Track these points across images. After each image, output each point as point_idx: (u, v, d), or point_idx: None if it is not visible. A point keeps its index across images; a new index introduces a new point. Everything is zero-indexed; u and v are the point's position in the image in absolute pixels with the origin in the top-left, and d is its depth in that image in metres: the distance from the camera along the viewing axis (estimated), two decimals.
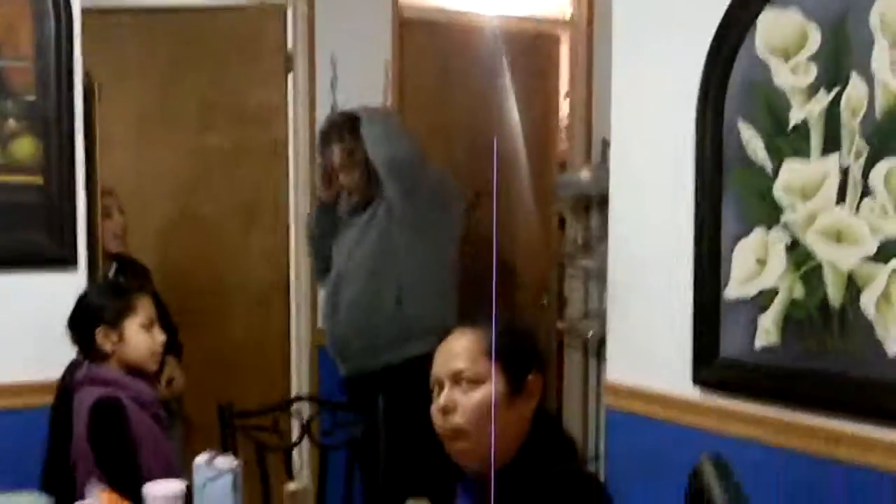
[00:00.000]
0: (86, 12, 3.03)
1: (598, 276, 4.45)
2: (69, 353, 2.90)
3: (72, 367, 2.80)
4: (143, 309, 2.75)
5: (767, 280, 2.64)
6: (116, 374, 2.70)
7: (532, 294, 4.82)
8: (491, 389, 1.90)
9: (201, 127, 4.31)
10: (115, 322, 2.71)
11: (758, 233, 2.66)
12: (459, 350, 1.95)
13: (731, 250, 2.72)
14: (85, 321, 2.74)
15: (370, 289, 3.62)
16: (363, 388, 3.48)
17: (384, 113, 3.77)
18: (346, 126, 3.67)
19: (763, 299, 2.66)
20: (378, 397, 3.08)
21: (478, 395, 1.91)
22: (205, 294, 4.27)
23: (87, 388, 2.69)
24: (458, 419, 1.92)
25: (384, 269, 3.62)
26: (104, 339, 2.71)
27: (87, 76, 3.09)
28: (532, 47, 4.91)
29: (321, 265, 3.86)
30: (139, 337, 2.73)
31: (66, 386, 2.77)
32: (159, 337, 2.76)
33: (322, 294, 3.96)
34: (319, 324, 4.27)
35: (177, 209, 4.29)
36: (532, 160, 4.82)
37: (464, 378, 1.93)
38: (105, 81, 3.37)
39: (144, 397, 2.71)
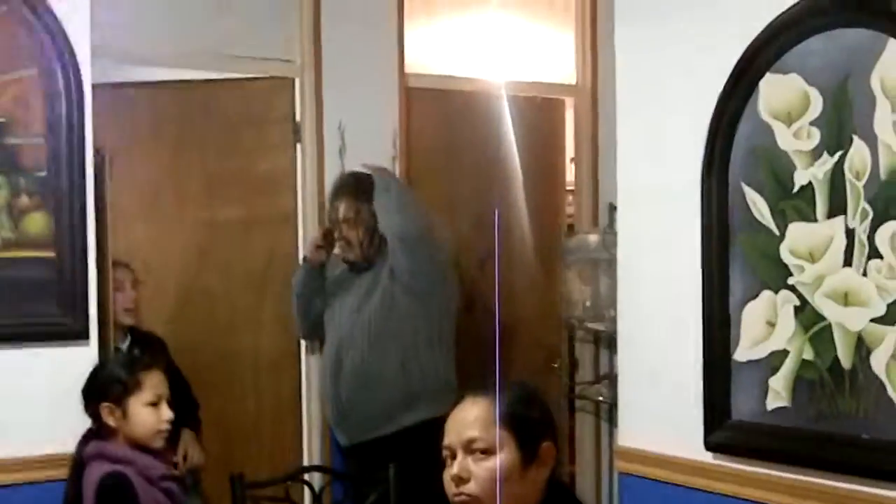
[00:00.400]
0: (95, 86, 3.07)
1: (608, 340, 4.46)
2: (81, 426, 2.91)
3: (84, 440, 2.80)
4: (150, 386, 2.77)
5: (777, 342, 2.64)
6: (124, 450, 2.71)
7: (542, 358, 4.81)
8: (508, 458, 1.91)
9: (211, 197, 4.34)
10: (119, 399, 2.74)
11: (766, 295, 2.67)
12: (472, 419, 1.95)
13: (740, 313, 2.73)
14: (93, 396, 2.79)
15: (375, 354, 3.63)
16: (365, 457, 3.48)
17: (397, 182, 3.82)
18: (358, 185, 3.77)
19: (773, 361, 2.66)
20: (389, 466, 3.08)
21: (491, 464, 1.91)
22: (216, 365, 4.27)
23: (95, 463, 2.70)
24: (472, 488, 1.91)
25: (388, 334, 3.63)
26: (108, 416, 2.74)
27: (98, 151, 3.13)
28: (538, 113, 4.94)
29: (306, 325, 3.92)
30: (143, 414, 2.74)
31: (75, 464, 2.78)
32: (166, 414, 2.76)
33: (322, 361, 3.96)
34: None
35: (187, 280, 4.31)
36: (539, 224, 4.83)
37: (477, 447, 1.93)
38: (114, 155, 3.41)
39: (153, 472, 2.71)
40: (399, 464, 3.10)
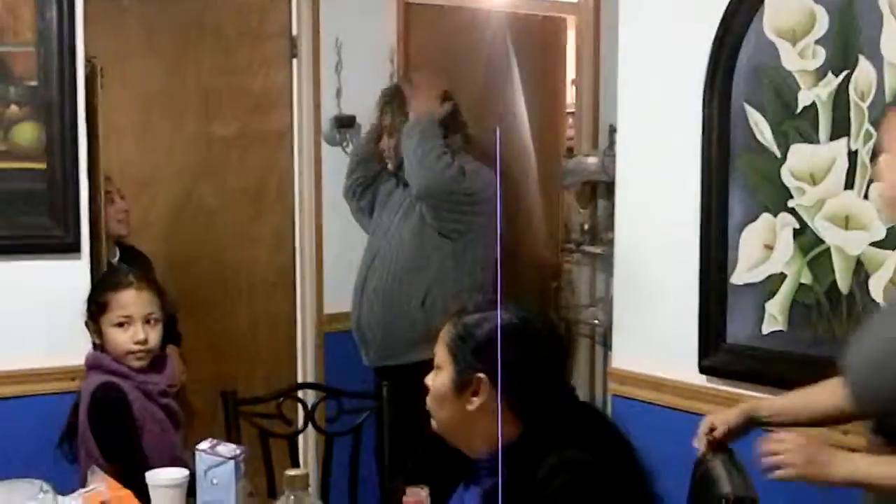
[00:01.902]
0: None
1: (605, 263, 4.44)
2: (73, 339, 2.92)
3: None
4: (118, 306, 2.73)
5: (775, 265, 2.63)
6: (118, 363, 2.70)
7: (540, 280, 4.79)
8: (446, 377, 1.96)
9: (205, 112, 4.28)
10: (95, 318, 2.76)
11: (765, 218, 2.64)
12: (440, 336, 2.01)
13: (738, 236, 2.71)
14: (86, 312, 2.79)
15: (397, 285, 3.61)
16: (388, 378, 3.47)
17: (422, 128, 3.63)
18: (395, 93, 3.76)
19: (770, 285, 2.64)
20: (383, 385, 3.07)
21: (435, 381, 1.99)
22: (210, 281, 4.25)
23: (92, 372, 2.71)
24: (427, 400, 2.01)
25: (413, 269, 3.60)
26: (92, 333, 2.76)
27: (89, 61, 3.08)
28: (539, 31, 4.87)
29: (359, 184, 3.91)
30: (111, 334, 2.72)
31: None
32: (137, 335, 2.71)
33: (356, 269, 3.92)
34: (326, 310, 4.27)
35: (181, 196, 4.27)
36: (539, 145, 4.79)
37: (434, 364, 2.00)
38: (107, 66, 3.36)
39: (151, 387, 2.71)
40: (394, 385, 3.09)
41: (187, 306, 3.79)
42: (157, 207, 4.21)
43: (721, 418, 2.19)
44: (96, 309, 2.75)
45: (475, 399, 1.92)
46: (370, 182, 3.89)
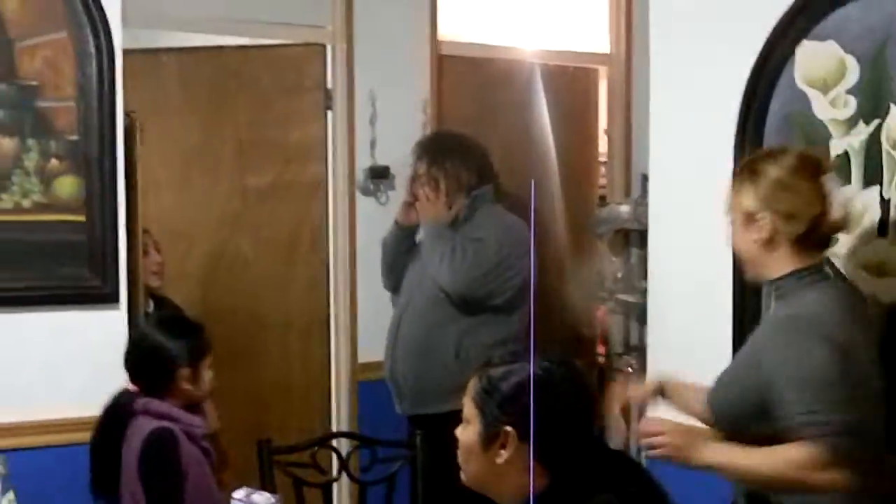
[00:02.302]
0: (127, 52, 3.08)
1: (639, 312, 4.43)
2: (111, 388, 2.94)
3: (121, 399, 2.80)
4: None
5: None
6: (173, 408, 2.73)
7: (573, 328, 4.79)
8: (473, 432, 1.95)
9: (241, 165, 4.35)
10: (196, 362, 2.78)
11: None
12: (466, 392, 2.01)
13: None
14: (163, 362, 2.76)
15: (431, 334, 3.61)
16: (421, 427, 3.46)
17: (435, 231, 3.62)
18: (431, 143, 3.77)
19: None
20: (416, 434, 3.08)
21: (463, 435, 1.98)
22: (245, 331, 4.28)
23: (142, 418, 2.72)
24: (458, 453, 2.00)
25: (446, 319, 3.60)
26: (185, 379, 2.76)
27: (128, 116, 3.14)
28: (570, 82, 4.91)
29: (392, 282, 3.87)
30: (208, 376, 2.80)
31: (114, 416, 2.77)
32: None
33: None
34: (361, 358, 4.28)
35: (217, 247, 4.32)
36: (571, 194, 4.81)
37: (462, 417, 1.99)
38: (146, 120, 3.42)
39: (196, 431, 2.75)
40: (427, 433, 3.10)
41: (222, 355, 3.79)
42: (194, 258, 4.26)
43: (639, 394, 2.57)
44: (200, 353, 2.79)
45: (503, 452, 1.92)
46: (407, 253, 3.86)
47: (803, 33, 2.60)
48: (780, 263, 2.20)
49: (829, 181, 2.22)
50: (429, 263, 3.60)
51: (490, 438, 1.93)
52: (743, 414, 2.22)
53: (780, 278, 2.22)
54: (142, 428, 2.69)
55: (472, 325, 3.61)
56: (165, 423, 2.68)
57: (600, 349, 5.00)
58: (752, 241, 2.21)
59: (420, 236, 3.74)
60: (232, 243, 4.30)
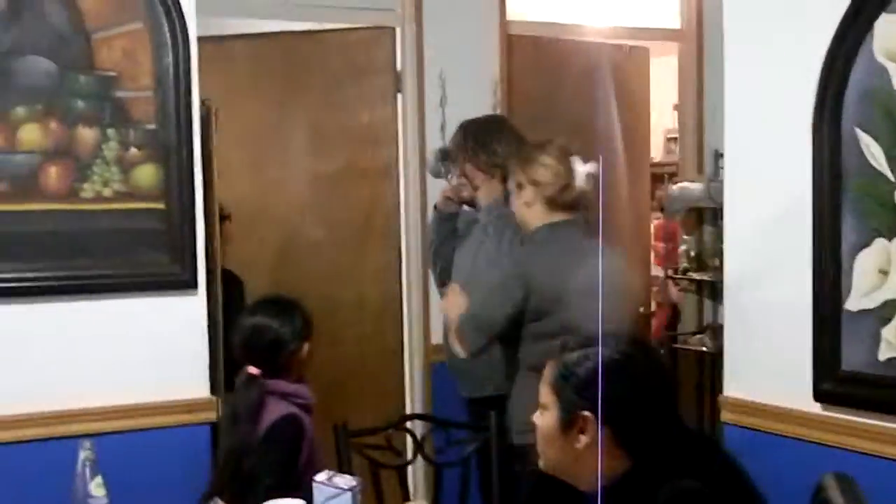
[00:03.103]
0: (201, 40, 3.12)
1: (712, 290, 4.41)
2: (193, 373, 3.03)
3: (250, 385, 2.92)
4: None
5: (891, 291, 2.59)
6: (296, 386, 2.97)
7: (631, 306, 4.77)
8: (551, 418, 1.99)
9: (313, 150, 4.40)
10: (306, 339, 3.03)
11: (879, 242, 2.61)
12: (542, 378, 2.05)
13: (852, 261, 2.67)
14: (284, 346, 2.98)
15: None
16: (482, 408, 3.48)
17: (493, 222, 3.56)
18: (469, 126, 3.71)
19: (886, 311, 2.60)
20: (491, 414, 3.09)
21: (542, 420, 2.02)
22: (318, 314, 4.28)
23: (272, 400, 2.91)
24: (536, 439, 2.05)
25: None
26: (299, 359, 3.01)
27: (204, 104, 3.18)
28: (625, 60, 4.89)
29: (436, 272, 3.87)
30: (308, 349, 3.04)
31: (250, 402, 2.89)
32: None
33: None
34: (433, 340, 4.31)
35: (290, 230, 4.38)
36: (629, 170, 4.79)
37: (539, 403, 2.03)
38: (220, 107, 3.47)
39: (311, 403, 2.99)
40: (501, 412, 3.11)
41: None
42: (268, 242, 4.32)
43: None
44: (310, 326, 3.06)
45: (582, 437, 1.94)
46: (450, 237, 3.81)
47: (883, 5, 2.56)
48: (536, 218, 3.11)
49: (575, 162, 3.07)
50: (492, 243, 3.55)
51: (569, 423, 1.95)
52: None
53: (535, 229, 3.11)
54: (271, 411, 2.87)
55: None
56: (293, 409, 2.88)
57: (656, 328, 4.96)
58: (521, 203, 3.14)
59: (466, 218, 3.70)
60: (304, 226, 4.35)
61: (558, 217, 3.09)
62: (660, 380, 2.04)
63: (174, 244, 3.05)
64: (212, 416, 3.14)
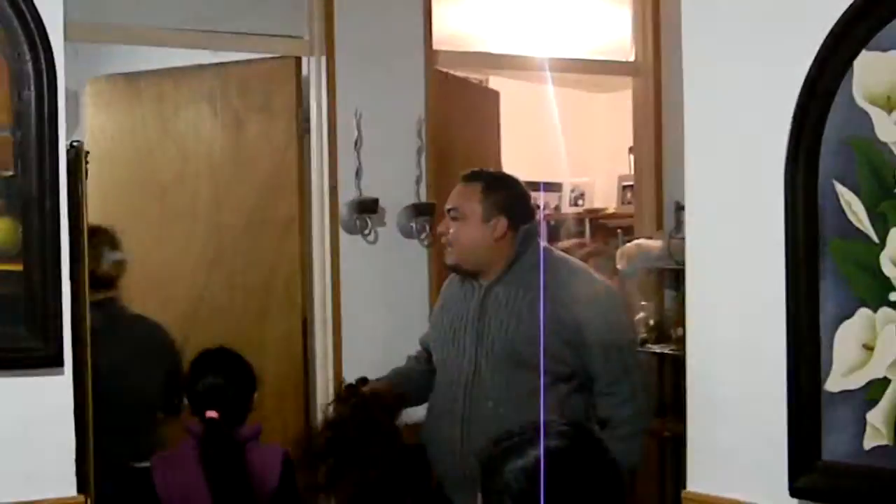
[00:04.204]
0: (110, 77, 3.10)
1: (675, 366, 4.44)
2: (60, 466, 3.00)
3: (218, 431, 3.51)
4: None
5: (876, 369, 2.62)
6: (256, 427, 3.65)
7: None
8: None
9: (216, 200, 4.42)
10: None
11: (863, 313, 2.64)
12: None
13: (832, 335, 2.70)
14: (251, 388, 3.68)
15: (519, 409, 3.49)
16: None
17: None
18: (481, 175, 3.72)
19: (872, 392, 2.63)
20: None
21: None
22: None
23: (255, 443, 3.59)
24: None
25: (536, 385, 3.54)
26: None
27: (73, 146, 3.14)
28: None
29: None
30: None
31: (229, 447, 3.50)
32: None
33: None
34: None
35: (196, 292, 4.41)
36: None
37: None
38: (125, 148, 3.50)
39: None
40: None
41: None
42: (175, 302, 4.36)
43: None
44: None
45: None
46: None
47: (862, 43, 2.61)
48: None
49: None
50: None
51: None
52: None
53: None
54: (271, 451, 3.62)
55: (569, 389, 3.57)
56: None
57: None
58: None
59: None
60: (208, 290, 4.38)
61: None
62: (608, 475, 2.04)
63: (34, 313, 2.99)
64: None
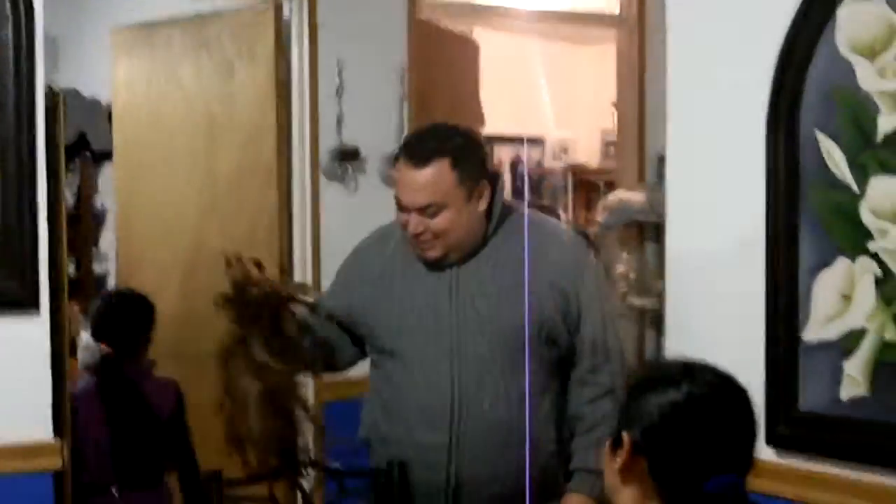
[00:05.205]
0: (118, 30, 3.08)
1: (655, 319, 4.45)
2: (37, 410, 3.01)
3: (114, 364, 3.84)
4: None
5: (854, 319, 2.63)
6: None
7: None
8: None
9: (209, 148, 4.44)
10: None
11: (842, 263, 2.65)
12: None
13: (810, 284, 2.72)
14: (146, 326, 3.92)
15: (518, 406, 3.14)
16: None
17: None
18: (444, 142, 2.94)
19: (849, 342, 2.65)
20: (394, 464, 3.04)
21: None
22: (197, 342, 4.32)
23: (149, 376, 3.89)
24: None
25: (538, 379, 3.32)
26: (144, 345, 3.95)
27: (50, 88, 3.13)
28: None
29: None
30: None
31: (125, 380, 3.83)
32: None
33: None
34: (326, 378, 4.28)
35: (192, 239, 4.47)
36: None
37: None
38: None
39: None
40: None
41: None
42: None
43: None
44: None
45: (618, 459, 1.94)
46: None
47: None
48: None
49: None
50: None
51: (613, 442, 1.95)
52: None
53: None
54: (165, 383, 3.90)
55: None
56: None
57: None
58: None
59: None
60: (203, 236, 4.46)
61: None
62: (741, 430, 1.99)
63: (10, 254, 2.98)
64: (56, 462, 3.07)
